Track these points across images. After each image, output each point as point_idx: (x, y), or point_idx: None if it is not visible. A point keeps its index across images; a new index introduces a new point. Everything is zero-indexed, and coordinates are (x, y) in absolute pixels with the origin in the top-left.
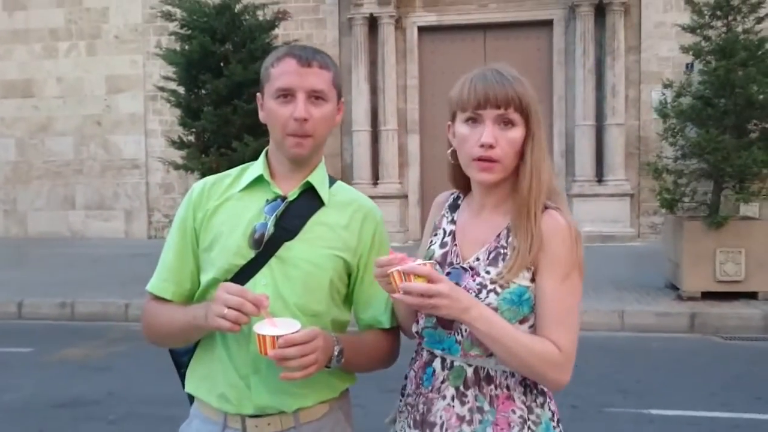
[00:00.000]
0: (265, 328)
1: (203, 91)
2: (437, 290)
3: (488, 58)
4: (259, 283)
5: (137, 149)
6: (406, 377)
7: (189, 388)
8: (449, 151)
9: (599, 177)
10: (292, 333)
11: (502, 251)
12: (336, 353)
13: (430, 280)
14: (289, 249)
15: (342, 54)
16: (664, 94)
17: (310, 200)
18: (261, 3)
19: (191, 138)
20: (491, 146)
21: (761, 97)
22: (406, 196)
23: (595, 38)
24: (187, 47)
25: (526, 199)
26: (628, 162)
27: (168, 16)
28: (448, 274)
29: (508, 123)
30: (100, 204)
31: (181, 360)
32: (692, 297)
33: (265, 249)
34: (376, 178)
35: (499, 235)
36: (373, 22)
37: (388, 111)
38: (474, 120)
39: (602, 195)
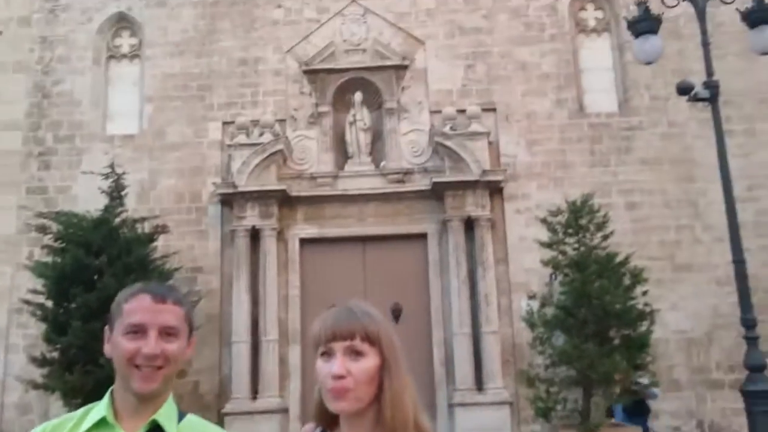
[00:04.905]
0: None
1: (73, 305)
2: None
3: (367, 268)
4: None
5: None
6: None
7: None
8: (317, 387)
9: (479, 385)
10: None
11: None
12: None
13: None
14: None
15: (224, 265)
16: (529, 305)
17: None
18: (141, 217)
19: (55, 355)
20: (341, 377)
21: (618, 306)
22: (286, 410)
23: (466, 250)
24: (59, 260)
25: (390, 430)
26: (505, 370)
27: (42, 230)
28: None
29: (358, 353)
30: None
31: None
32: None
33: None
34: (255, 392)
35: None
36: (255, 234)
37: (269, 321)
38: (327, 354)
39: (482, 403)
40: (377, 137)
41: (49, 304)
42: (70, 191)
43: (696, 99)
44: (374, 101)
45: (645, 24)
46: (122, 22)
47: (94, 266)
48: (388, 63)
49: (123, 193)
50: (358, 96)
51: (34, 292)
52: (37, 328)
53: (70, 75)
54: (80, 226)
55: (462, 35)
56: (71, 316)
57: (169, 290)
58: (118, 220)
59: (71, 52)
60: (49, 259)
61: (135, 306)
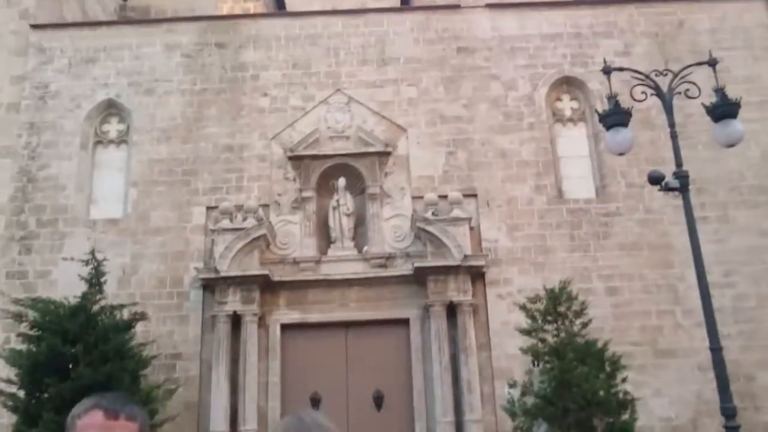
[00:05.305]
0: None
1: (45, 395)
2: None
3: (349, 353)
4: None
5: None
6: None
7: None
8: None
9: None
10: None
11: None
12: None
13: None
14: None
15: (203, 351)
16: (510, 393)
17: None
18: (119, 304)
19: None
20: None
21: (601, 393)
22: None
23: (448, 336)
24: (34, 348)
25: None
26: None
27: (18, 318)
28: None
29: None
30: None
31: None
32: None
33: None
34: None
35: None
36: (236, 320)
37: (248, 410)
38: None
39: None
40: (360, 222)
41: (21, 394)
42: (50, 276)
43: (667, 189)
44: (357, 187)
45: (615, 117)
46: (111, 108)
47: (70, 354)
48: (372, 150)
49: (102, 279)
50: (341, 181)
51: (7, 381)
52: (8, 419)
53: (56, 160)
54: (57, 314)
55: (443, 123)
56: (43, 407)
57: (122, 404)
58: (96, 307)
59: (59, 138)
60: (23, 347)
61: (87, 423)
